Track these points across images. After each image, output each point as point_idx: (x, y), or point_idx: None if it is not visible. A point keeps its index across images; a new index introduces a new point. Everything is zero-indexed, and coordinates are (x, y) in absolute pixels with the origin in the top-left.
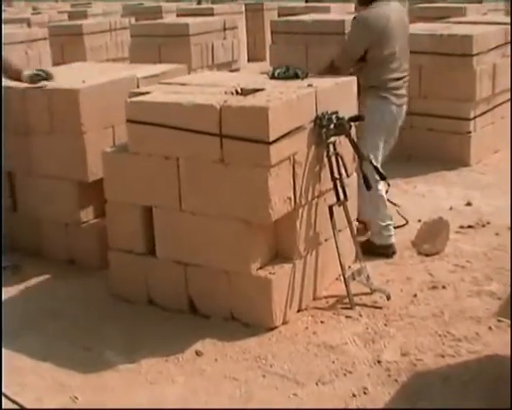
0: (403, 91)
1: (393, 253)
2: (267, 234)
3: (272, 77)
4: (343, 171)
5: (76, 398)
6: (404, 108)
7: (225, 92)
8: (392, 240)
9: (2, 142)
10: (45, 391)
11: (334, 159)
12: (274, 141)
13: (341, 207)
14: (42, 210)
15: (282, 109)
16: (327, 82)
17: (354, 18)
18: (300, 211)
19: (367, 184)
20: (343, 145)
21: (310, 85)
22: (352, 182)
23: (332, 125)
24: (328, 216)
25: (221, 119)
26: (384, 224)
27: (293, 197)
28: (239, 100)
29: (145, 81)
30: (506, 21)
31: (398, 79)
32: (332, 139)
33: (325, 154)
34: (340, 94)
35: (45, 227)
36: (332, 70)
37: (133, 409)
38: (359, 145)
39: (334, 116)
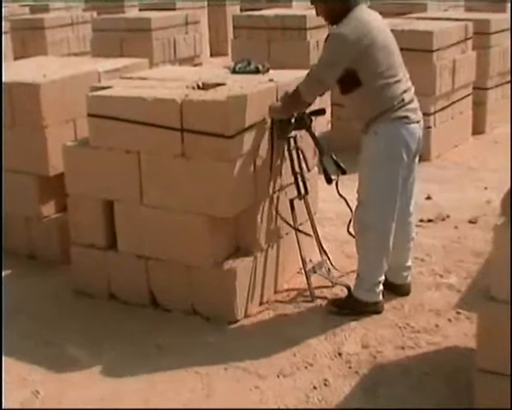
0: (416, 104)
1: (382, 308)
2: (228, 228)
3: (234, 71)
4: (304, 165)
5: (38, 392)
6: (422, 123)
7: (187, 87)
8: (381, 295)
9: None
10: (7, 386)
11: (294, 153)
12: (234, 135)
13: (302, 200)
14: (3, 204)
15: (242, 105)
16: (288, 76)
17: (328, 36)
18: (261, 205)
19: (327, 177)
20: (304, 140)
21: (271, 80)
22: (313, 176)
23: (293, 120)
24: (289, 210)
25: (182, 113)
26: (380, 279)
27: (254, 191)
28: (200, 94)
29: (107, 75)
30: (466, 18)
31: (407, 91)
32: (293, 134)
33: (286, 148)
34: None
35: (7, 222)
36: (294, 99)
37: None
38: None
39: None
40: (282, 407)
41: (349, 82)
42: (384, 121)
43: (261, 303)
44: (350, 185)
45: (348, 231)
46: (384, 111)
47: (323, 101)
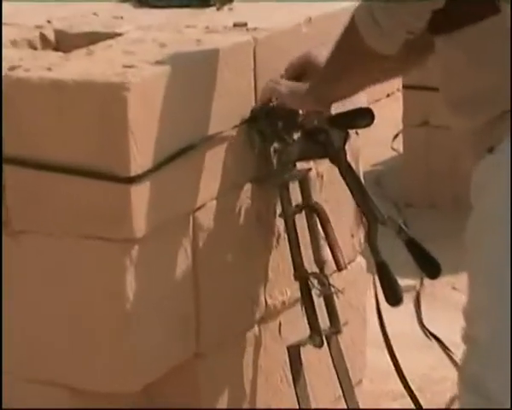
0: None
1: None
2: None
3: (143, 1)
4: (327, 252)
5: None
6: None
7: (12, 42)
8: None
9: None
10: None
11: (300, 222)
12: (143, 175)
13: (325, 348)
14: None
15: (163, 92)
16: (279, 17)
17: None
18: (212, 360)
19: (390, 287)
20: (328, 187)
21: (241, 25)
22: (353, 279)
23: (296, 134)
24: (290, 371)
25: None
26: None
27: (194, 324)
28: (50, 64)
29: None
30: None
31: None
32: (295, 171)
33: (280, 207)
34: (321, 44)
35: None
36: (347, 50)
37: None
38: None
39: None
40: None
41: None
42: None
43: None
44: (451, 300)
45: None
46: None
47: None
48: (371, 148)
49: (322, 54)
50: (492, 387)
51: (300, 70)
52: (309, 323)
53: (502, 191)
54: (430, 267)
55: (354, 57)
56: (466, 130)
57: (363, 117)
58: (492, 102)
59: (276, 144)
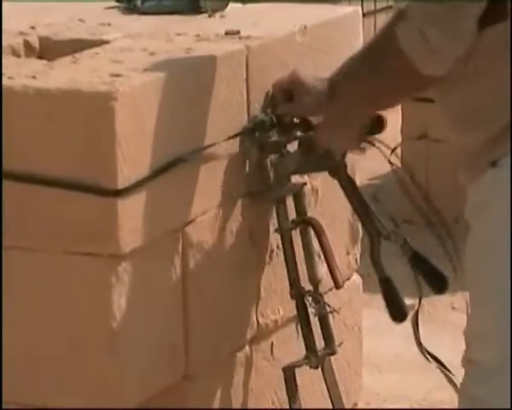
0: None
1: None
2: None
3: (132, 7)
4: (321, 270)
5: None
6: None
7: None
8: None
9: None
10: None
11: (300, 237)
12: (130, 188)
13: (319, 368)
14: None
15: (152, 102)
16: (275, 25)
17: None
18: (201, 382)
19: (394, 303)
20: (323, 201)
21: (233, 33)
22: (348, 299)
23: (291, 146)
24: (286, 396)
25: None
26: None
27: (183, 344)
28: (35, 70)
29: None
30: None
31: None
32: (291, 184)
33: (273, 223)
34: (317, 54)
35: None
36: (384, 72)
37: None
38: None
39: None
40: None
41: None
42: None
43: None
44: (451, 320)
45: None
46: None
47: None
48: (368, 161)
49: (310, 74)
50: (487, 399)
51: (289, 86)
52: (305, 343)
53: (503, 209)
54: (437, 281)
55: (396, 81)
56: (466, 144)
57: (378, 124)
58: (495, 116)
59: (272, 156)
